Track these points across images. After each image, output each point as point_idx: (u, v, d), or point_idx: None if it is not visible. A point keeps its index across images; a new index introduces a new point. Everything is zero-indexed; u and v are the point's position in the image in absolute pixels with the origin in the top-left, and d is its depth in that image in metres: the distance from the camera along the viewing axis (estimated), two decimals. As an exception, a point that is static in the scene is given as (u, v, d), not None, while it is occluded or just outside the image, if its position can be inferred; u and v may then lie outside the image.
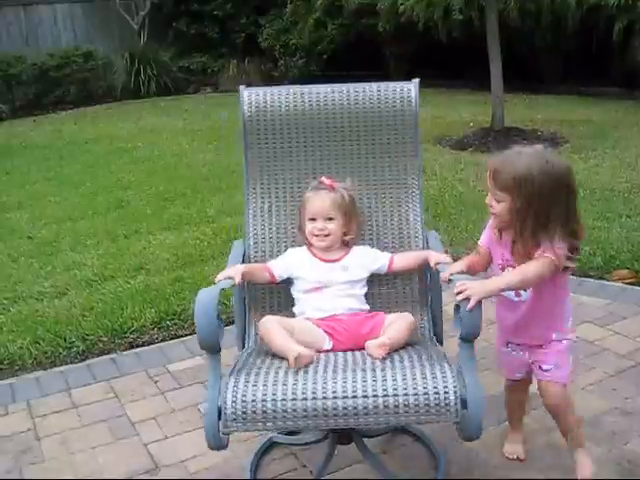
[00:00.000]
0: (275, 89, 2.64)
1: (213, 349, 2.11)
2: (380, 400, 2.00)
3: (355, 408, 2.00)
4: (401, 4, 9.97)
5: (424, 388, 2.01)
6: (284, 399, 2.01)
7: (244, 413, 2.02)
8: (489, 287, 2.16)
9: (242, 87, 2.69)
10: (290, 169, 2.66)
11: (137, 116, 10.99)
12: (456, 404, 2.01)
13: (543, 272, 2.17)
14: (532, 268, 2.17)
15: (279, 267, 2.51)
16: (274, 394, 2.03)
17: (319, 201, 2.47)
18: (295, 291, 2.51)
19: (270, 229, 2.63)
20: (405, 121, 2.62)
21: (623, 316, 3.64)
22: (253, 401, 2.02)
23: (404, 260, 2.54)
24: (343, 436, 2.43)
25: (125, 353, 3.55)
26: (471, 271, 2.34)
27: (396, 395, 2.00)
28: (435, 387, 2.01)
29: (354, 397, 2.01)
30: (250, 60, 13.70)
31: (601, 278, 4.13)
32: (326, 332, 2.32)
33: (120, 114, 11.37)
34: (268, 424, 2.04)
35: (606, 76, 11.02)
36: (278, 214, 2.65)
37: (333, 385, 2.03)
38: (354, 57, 13.22)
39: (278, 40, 13.40)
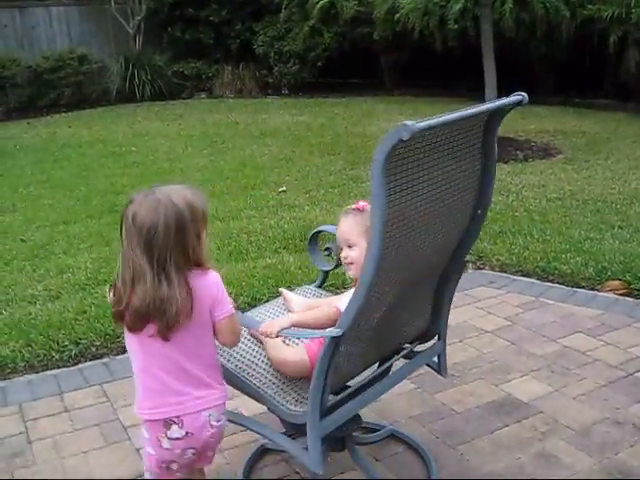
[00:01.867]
0: None
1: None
2: None
3: None
4: (397, 12, 9.99)
5: None
6: None
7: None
8: None
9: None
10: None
11: (131, 120, 11.00)
12: None
13: None
14: None
15: None
16: None
17: (340, 226, 2.35)
18: None
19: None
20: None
21: (614, 327, 3.66)
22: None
23: None
24: (336, 443, 2.44)
25: (118, 357, 3.54)
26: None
27: None
28: None
29: None
30: (245, 66, 13.72)
31: (593, 289, 4.15)
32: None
33: (114, 118, 11.37)
34: None
35: (599, 87, 11.11)
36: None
37: None
38: (348, 65, 13.29)
39: (272, 47, 13.43)
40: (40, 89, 12.49)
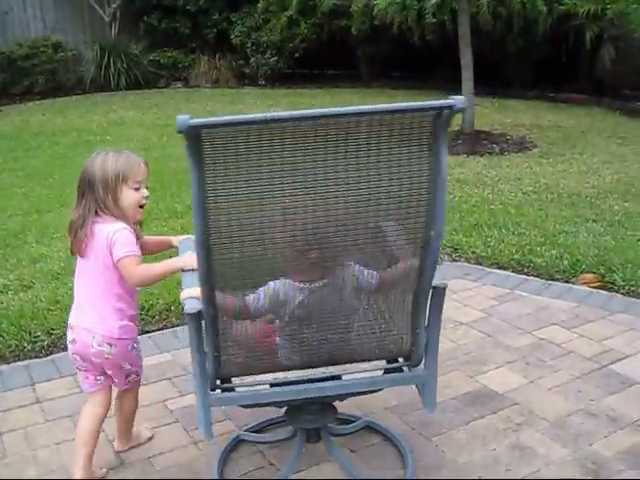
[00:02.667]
0: None
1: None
2: None
3: None
4: (374, 5, 9.96)
5: None
6: None
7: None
8: None
9: None
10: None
11: (106, 109, 10.88)
12: None
13: None
14: None
15: None
16: None
17: None
18: None
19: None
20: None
21: (589, 319, 3.69)
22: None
23: None
24: (311, 434, 2.43)
25: (91, 348, 3.50)
26: None
27: None
28: None
29: None
30: (221, 56, 13.63)
31: (567, 281, 4.18)
32: None
33: (89, 106, 11.25)
34: None
35: (575, 83, 11.19)
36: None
37: None
38: (326, 56, 13.26)
39: (249, 37, 13.35)
40: (13, 76, 12.30)
